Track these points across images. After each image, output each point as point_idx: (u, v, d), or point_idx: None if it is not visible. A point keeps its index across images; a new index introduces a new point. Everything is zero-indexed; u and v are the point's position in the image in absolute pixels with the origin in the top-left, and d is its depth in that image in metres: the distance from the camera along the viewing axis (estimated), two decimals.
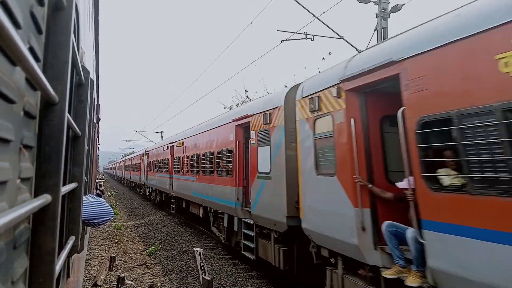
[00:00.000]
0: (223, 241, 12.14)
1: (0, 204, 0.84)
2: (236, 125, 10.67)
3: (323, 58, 33.76)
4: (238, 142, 10.52)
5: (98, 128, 11.27)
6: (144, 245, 14.19)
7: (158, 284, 9.32)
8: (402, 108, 4.66)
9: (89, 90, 2.40)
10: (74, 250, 2.19)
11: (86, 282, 9.13)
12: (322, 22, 11.98)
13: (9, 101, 0.88)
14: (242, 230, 10.06)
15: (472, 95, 3.77)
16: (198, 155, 14.54)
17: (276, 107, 8.32)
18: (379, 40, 12.31)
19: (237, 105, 26.87)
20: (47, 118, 1.26)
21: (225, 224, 11.41)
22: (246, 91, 30.52)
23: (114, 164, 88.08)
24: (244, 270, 10.21)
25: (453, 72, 4.03)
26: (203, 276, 7.73)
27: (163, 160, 22.15)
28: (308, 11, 11.83)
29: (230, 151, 10.95)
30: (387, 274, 5.01)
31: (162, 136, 44.48)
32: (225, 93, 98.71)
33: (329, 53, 28.40)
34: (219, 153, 12.05)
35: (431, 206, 4.26)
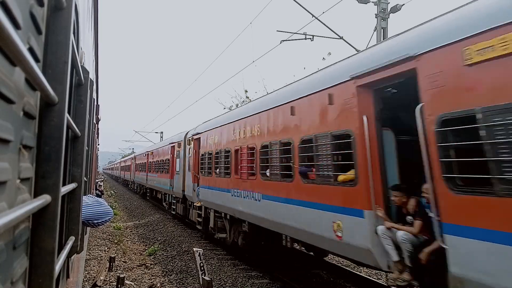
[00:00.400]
0: (166, 208, 21.91)
1: (0, 204, 0.84)
2: (171, 146, 19.64)
3: (323, 58, 33.72)
4: (172, 155, 19.41)
5: (98, 128, 11.27)
6: (143, 245, 14.19)
7: (158, 285, 9.32)
8: (197, 150, 14.63)
9: (88, 91, 2.40)
10: (73, 250, 2.19)
11: (86, 283, 9.12)
12: (321, 22, 11.99)
13: (9, 101, 0.88)
14: (172, 201, 19.55)
15: (214, 147, 12.40)
16: (158, 161, 23.73)
17: (181, 140, 17.32)
18: (379, 40, 12.32)
19: (237, 105, 26.96)
20: (47, 118, 1.26)
21: (167, 200, 21.06)
22: (246, 91, 30.52)
23: (112, 165, 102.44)
24: (244, 270, 10.21)
25: (208, 139, 13.03)
26: (202, 276, 7.73)
27: (143, 163, 31.00)
28: (308, 11, 11.85)
29: (169, 160, 20.06)
30: (196, 204, 13.93)
31: (161, 137, 44.42)
32: (224, 93, 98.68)
33: (329, 53, 28.35)
34: (165, 160, 21.20)
35: (201, 180, 13.47)
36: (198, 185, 14.10)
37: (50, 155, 1.25)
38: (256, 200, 8.76)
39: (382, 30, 12.59)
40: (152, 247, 13.34)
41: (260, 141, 8.64)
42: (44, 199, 1.14)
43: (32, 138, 1.16)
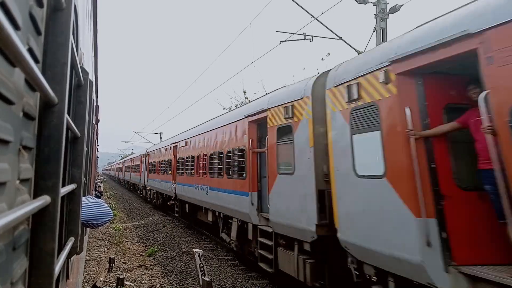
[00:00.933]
0: (140, 194, 34.38)
1: (0, 205, 0.84)
2: (140, 156, 32.80)
3: (322, 59, 33.73)
4: (141, 162, 32.09)
5: (97, 129, 11.27)
6: (143, 246, 14.18)
7: (158, 286, 9.31)
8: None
9: (88, 91, 2.40)
10: (73, 251, 2.19)
11: (86, 284, 9.11)
12: (320, 22, 12.00)
13: (9, 102, 0.88)
14: (140, 189, 33.55)
15: (152, 160, 28.05)
16: (135, 165, 36.81)
17: (144, 154, 30.24)
18: (378, 41, 12.33)
19: (236, 106, 27.01)
20: (47, 119, 1.26)
21: (139, 188, 34.88)
22: (245, 92, 30.48)
23: (109, 167, 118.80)
24: (243, 271, 10.21)
25: (151, 155, 27.85)
26: (202, 277, 7.73)
27: (128, 166, 45.02)
28: (307, 11, 11.86)
29: (139, 164, 32.89)
30: (148, 187, 28.82)
31: (161, 137, 44.38)
32: (224, 94, 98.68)
33: (328, 54, 28.35)
34: (138, 164, 33.47)
35: (150, 175, 28.31)
36: (147, 179, 27.73)
37: (50, 156, 1.25)
38: (159, 182, 22.18)
39: (381, 30, 12.60)
40: (151, 248, 13.33)
41: (157, 160, 23.70)
42: (44, 200, 1.14)
43: (32, 139, 1.16)
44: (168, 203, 19.52)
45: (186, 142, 16.08)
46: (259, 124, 8.97)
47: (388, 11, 12.64)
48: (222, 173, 10.99)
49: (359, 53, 11.61)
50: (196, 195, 13.90)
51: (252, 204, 8.69)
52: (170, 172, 18.95)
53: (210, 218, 12.80)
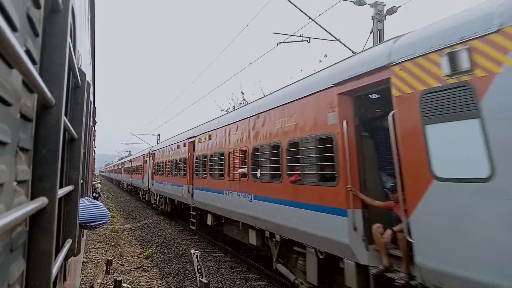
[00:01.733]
0: (118, 185, 60.14)
1: None
2: (121, 163, 55.36)
3: (320, 60, 33.90)
4: (121, 167, 51.66)
5: (94, 131, 11.24)
6: (141, 248, 14.14)
7: (155, 287, 9.28)
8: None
9: (85, 93, 2.40)
10: (70, 253, 2.18)
11: (83, 286, 9.08)
12: (318, 24, 12.03)
13: (6, 103, 0.88)
14: (121, 183, 54.82)
15: (125, 165, 47.58)
16: (118, 169, 58.61)
17: (122, 162, 53.41)
18: (375, 42, 12.37)
19: (234, 107, 27.03)
20: (44, 120, 1.26)
21: (120, 184, 55.48)
22: (243, 93, 30.47)
23: (105, 169, 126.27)
24: (241, 272, 10.20)
25: (125, 163, 47.59)
26: (200, 279, 7.71)
27: (115, 169, 62.31)
28: (304, 13, 11.88)
29: (120, 168, 53.44)
30: (125, 183, 48.58)
31: (158, 139, 44.30)
32: (222, 95, 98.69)
33: (325, 55, 28.56)
34: (118, 169, 57.18)
35: (126, 175, 48.51)
36: (124, 177, 43.32)
37: (47, 158, 1.24)
38: (128, 178, 39.61)
39: (378, 32, 12.64)
40: (149, 249, 13.29)
41: (125, 166, 45.58)
42: (41, 201, 1.14)
43: (29, 140, 1.15)
44: (128, 185, 39.61)
45: (130, 160, 34.68)
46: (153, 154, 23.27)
47: (385, 12, 12.68)
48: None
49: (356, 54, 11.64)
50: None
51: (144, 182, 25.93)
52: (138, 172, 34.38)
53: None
